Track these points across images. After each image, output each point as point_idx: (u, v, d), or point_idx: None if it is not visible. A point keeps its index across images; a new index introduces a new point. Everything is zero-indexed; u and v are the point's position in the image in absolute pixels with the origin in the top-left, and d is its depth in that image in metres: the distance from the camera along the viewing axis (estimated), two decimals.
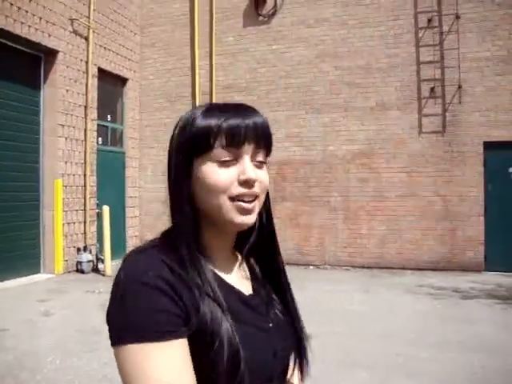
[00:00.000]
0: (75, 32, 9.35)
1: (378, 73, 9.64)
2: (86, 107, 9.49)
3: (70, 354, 4.56)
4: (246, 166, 0.91)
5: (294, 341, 1.04)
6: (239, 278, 1.03)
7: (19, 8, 8.07)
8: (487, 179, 9.15)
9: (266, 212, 1.06)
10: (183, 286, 0.84)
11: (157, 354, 0.78)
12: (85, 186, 9.45)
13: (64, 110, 9.01)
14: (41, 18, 8.49)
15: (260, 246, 1.08)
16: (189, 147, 0.92)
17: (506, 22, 9.06)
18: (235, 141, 0.90)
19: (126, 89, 11.09)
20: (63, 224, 8.94)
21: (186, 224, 0.92)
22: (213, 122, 0.90)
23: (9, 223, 8.19)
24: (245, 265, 1.09)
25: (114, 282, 0.87)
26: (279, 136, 9.97)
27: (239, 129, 0.90)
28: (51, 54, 8.90)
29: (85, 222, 9.48)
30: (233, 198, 0.90)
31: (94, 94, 9.76)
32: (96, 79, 9.87)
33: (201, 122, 0.91)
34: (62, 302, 6.86)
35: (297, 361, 1.06)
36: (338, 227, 9.84)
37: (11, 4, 7.90)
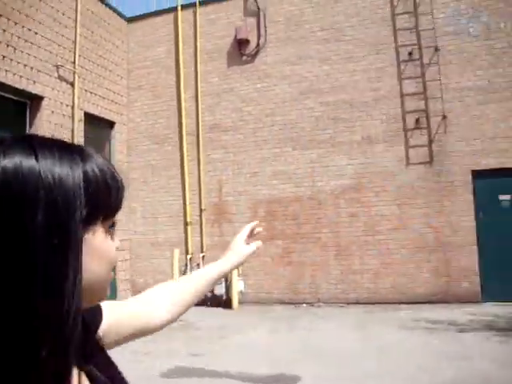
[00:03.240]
0: (61, 78, 9.42)
1: (363, 107, 9.69)
2: None
3: None
4: (115, 235, 0.80)
5: None
6: None
7: (4, 57, 8.12)
8: (478, 208, 9.07)
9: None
10: None
11: None
12: None
13: None
14: (26, 65, 8.59)
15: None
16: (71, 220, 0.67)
17: (484, 52, 9.19)
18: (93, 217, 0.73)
19: (114, 132, 11.11)
20: None
21: None
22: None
23: None
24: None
25: None
26: (267, 174, 9.93)
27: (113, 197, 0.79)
28: (36, 100, 8.95)
29: None
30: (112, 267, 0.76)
31: (79, 139, 9.73)
32: (82, 124, 9.88)
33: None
34: None
35: None
36: (329, 263, 9.69)
37: None
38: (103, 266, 0.72)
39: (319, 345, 6.43)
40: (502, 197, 9.13)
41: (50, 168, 0.62)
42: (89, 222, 0.67)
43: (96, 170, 0.70)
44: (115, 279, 10.68)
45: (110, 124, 11.07)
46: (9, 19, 8.36)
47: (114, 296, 10.48)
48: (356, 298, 9.50)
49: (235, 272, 9.51)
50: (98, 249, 0.70)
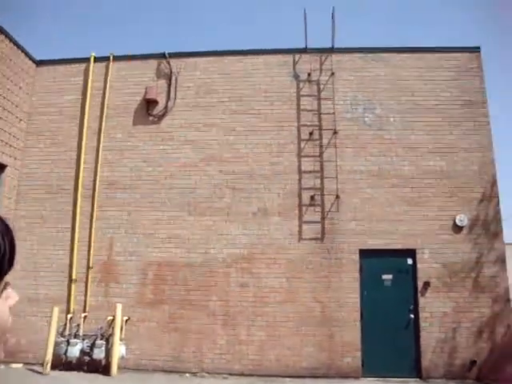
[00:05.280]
0: None
1: (262, 179, 10.00)
2: None
3: None
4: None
5: None
6: None
7: None
8: (363, 285, 9.48)
9: None
10: None
11: None
12: None
13: None
14: None
15: None
16: None
17: (376, 141, 9.94)
18: None
19: (4, 175, 10.53)
20: None
21: None
22: None
23: None
24: None
25: None
26: (161, 237, 9.85)
27: None
28: None
29: None
30: None
31: None
32: None
33: None
34: None
35: None
36: (216, 332, 9.61)
37: None
38: None
39: None
40: (384, 276, 9.64)
41: None
42: None
43: None
44: None
45: (1, 167, 10.48)
46: None
47: None
48: (241, 369, 9.41)
49: (117, 335, 9.14)
50: None
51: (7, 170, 10.60)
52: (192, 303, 9.74)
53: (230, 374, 9.34)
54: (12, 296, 0.78)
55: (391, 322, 9.37)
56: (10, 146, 10.66)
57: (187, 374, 9.39)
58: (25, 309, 10.07)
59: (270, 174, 10.03)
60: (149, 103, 10.64)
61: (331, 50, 10.64)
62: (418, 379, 9.10)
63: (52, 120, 11.17)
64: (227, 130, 10.36)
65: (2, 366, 9.72)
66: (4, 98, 10.42)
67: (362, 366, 9.25)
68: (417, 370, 9.19)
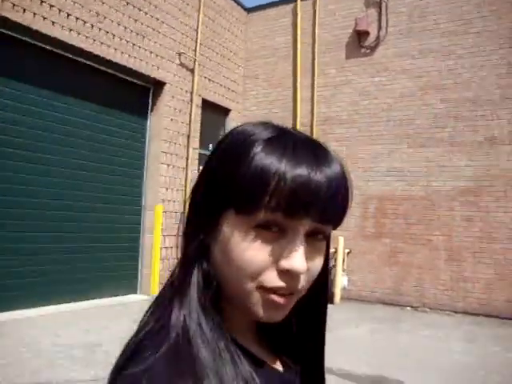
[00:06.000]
0: (182, 65, 9.90)
1: (488, 105, 9.10)
2: (188, 136, 9.95)
3: None
4: (295, 250, 0.63)
5: None
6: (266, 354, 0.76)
7: (134, 44, 8.71)
8: None
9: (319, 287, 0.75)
10: None
11: None
12: (184, 212, 9.80)
13: (168, 138, 9.51)
14: (151, 52, 9.13)
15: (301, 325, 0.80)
16: (225, 193, 0.64)
17: None
18: (294, 208, 0.61)
19: (229, 119, 11.47)
20: (161, 248, 9.30)
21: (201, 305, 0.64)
22: (272, 168, 0.60)
23: (113, 243, 8.75)
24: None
25: None
26: (380, 170, 9.73)
27: (306, 191, 0.60)
28: (159, 85, 9.53)
29: None
30: (263, 288, 0.64)
31: (196, 124, 10.20)
32: (200, 109, 10.31)
33: (258, 162, 0.60)
34: None
35: None
36: (439, 267, 9.30)
37: (127, 41, 8.56)
38: (230, 269, 0.64)
39: (423, 352, 6.24)
40: None
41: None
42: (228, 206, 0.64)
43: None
44: None
45: (225, 111, 11.45)
46: (140, 10, 8.94)
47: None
48: (464, 307, 9.04)
49: (339, 267, 9.47)
50: (227, 247, 0.64)
51: (231, 114, 11.53)
52: (413, 237, 9.56)
53: (454, 312, 9.05)
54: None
55: None
56: (232, 91, 11.52)
57: (408, 308, 9.37)
58: None
59: (498, 99, 9.08)
60: (360, 35, 10.36)
61: None
62: None
63: (266, 62, 11.68)
64: (446, 54, 9.59)
65: None
66: (223, 47, 11.19)
67: None
68: None
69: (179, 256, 0.70)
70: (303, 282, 0.65)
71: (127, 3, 8.66)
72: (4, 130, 7.05)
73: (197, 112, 10.25)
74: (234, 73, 11.58)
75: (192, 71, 10.16)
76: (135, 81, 9.28)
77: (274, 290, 0.64)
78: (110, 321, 7.07)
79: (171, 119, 9.65)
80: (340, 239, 9.45)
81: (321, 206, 0.62)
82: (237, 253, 0.63)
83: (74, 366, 4.90)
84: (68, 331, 6.28)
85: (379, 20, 10.29)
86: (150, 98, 9.64)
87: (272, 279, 0.63)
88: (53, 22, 7.35)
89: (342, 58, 10.63)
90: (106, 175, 8.74)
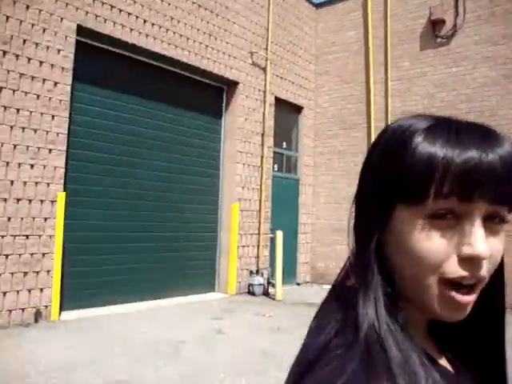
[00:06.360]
0: (254, 64, 10.02)
1: None
2: (262, 135, 10.05)
3: (239, 375, 4.74)
4: (475, 234, 0.60)
5: None
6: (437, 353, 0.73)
7: (206, 46, 8.91)
8: None
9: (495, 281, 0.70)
10: None
11: None
12: (260, 210, 9.93)
13: (242, 138, 9.66)
14: (224, 53, 9.32)
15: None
16: (392, 187, 0.64)
17: None
18: (468, 191, 0.59)
19: (301, 116, 11.50)
20: (238, 247, 9.48)
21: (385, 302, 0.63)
22: (439, 154, 0.59)
23: (191, 242, 8.99)
24: None
25: None
26: None
27: (479, 171, 0.59)
28: (232, 85, 9.72)
29: (258, 246, 9.92)
30: (444, 280, 0.62)
31: (270, 122, 10.28)
32: (273, 108, 10.39)
33: (422, 151, 0.60)
34: (234, 322, 7.25)
35: None
36: None
37: (200, 43, 8.77)
38: (408, 264, 0.63)
39: None
40: None
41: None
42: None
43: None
44: (295, 261, 11.10)
45: (298, 109, 11.46)
46: (211, 11, 9.12)
47: (293, 278, 10.95)
48: None
49: None
50: (402, 241, 0.64)
51: (303, 111, 11.54)
52: None
53: None
54: None
55: None
56: (304, 88, 11.51)
57: None
58: (331, 238, 11.04)
59: None
60: (435, 24, 10.00)
61: None
62: None
63: (337, 58, 11.57)
64: None
65: (316, 286, 10.96)
66: (294, 44, 11.20)
67: None
68: None
69: (351, 254, 0.70)
70: (486, 270, 0.62)
71: (199, 6, 8.86)
72: (92, 136, 7.46)
73: (270, 110, 10.33)
74: (305, 70, 11.56)
75: (264, 70, 10.24)
76: (209, 82, 9.52)
77: (456, 284, 0.61)
78: (190, 318, 7.29)
79: (245, 118, 9.78)
80: None
81: (495, 187, 0.60)
82: (414, 246, 0.61)
83: (161, 362, 5.09)
84: (152, 328, 6.53)
85: (456, 7, 9.90)
86: (224, 98, 9.86)
87: (454, 269, 0.61)
88: (131, 29, 7.67)
89: (415, 49, 10.33)
90: (188, 176, 9.07)
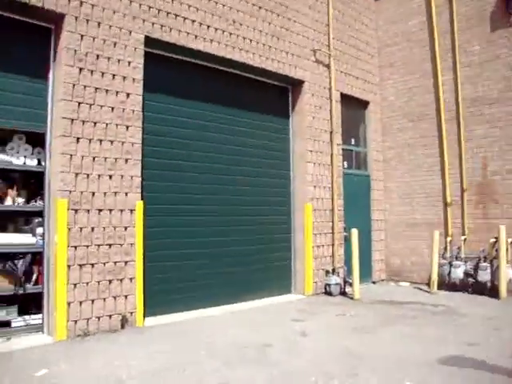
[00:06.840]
0: (318, 61, 9.92)
1: None
2: (331, 132, 9.94)
3: (330, 377, 4.61)
4: None
5: None
6: None
7: (270, 46, 8.90)
8: None
9: None
10: None
11: None
12: (332, 209, 9.81)
13: (311, 136, 9.59)
14: (287, 53, 9.31)
15: None
16: None
17: None
18: None
19: (368, 111, 11.31)
20: (313, 247, 9.37)
21: None
22: None
23: (265, 245, 9.03)
24: None
25: None
26: None
27: None
28: (298, 85, 9.69)
29: (333, 245, 9.79)
30: None
31: (337, 120, 10.15)
32: (339, 104, 10.26)
33: None
34: (316, 323, 7.14)
35: None
36: None
37: (263, 44, 8.78)
38: None
39: None
40: None
41: None
42: None
43: None
44: (370, 258, 10.87)
45: (364, 104, 11.27)
46: (272, 12, 9.10)
47: (369, 276, 10.74)
48: None
49: (503, 258, 8.76)
50: None
51: (370, 106, 11.36)
52: None
53: None
54: None
55: None
56: (369, 82, 11.29)
57: None
58: (404, 233, 10.76)
59: None
60: (508, 2, 9.39)
61: None
62: None
63: (401, 49, 11.26)
64: None
65: (392, 283, 10.70)
66: (355, 38, 11.01)
67: None
68: None
69: None
70: None
71: (260, 7, 8.86)
72: (163, 143, 7.60)
73: (337, 107, 10.19)
74: (368, 63, 11.33)
75: (328, 67, 10.11)
76: (274, 82, 9.52)
77: None
78: (272, 321, 7.26)
79: (313, 117, 9.69)
80: (502, 228, 8.74)
81: None
82: None
83: (249, 366, 5.04)
84: (235, 332, 6.54)
85: None
86: (290, 97, 9.83)
87: None
88: (195, 36, 7.76)
89: (486, 31, 9.83)
90: (260, 178, 9.13)
